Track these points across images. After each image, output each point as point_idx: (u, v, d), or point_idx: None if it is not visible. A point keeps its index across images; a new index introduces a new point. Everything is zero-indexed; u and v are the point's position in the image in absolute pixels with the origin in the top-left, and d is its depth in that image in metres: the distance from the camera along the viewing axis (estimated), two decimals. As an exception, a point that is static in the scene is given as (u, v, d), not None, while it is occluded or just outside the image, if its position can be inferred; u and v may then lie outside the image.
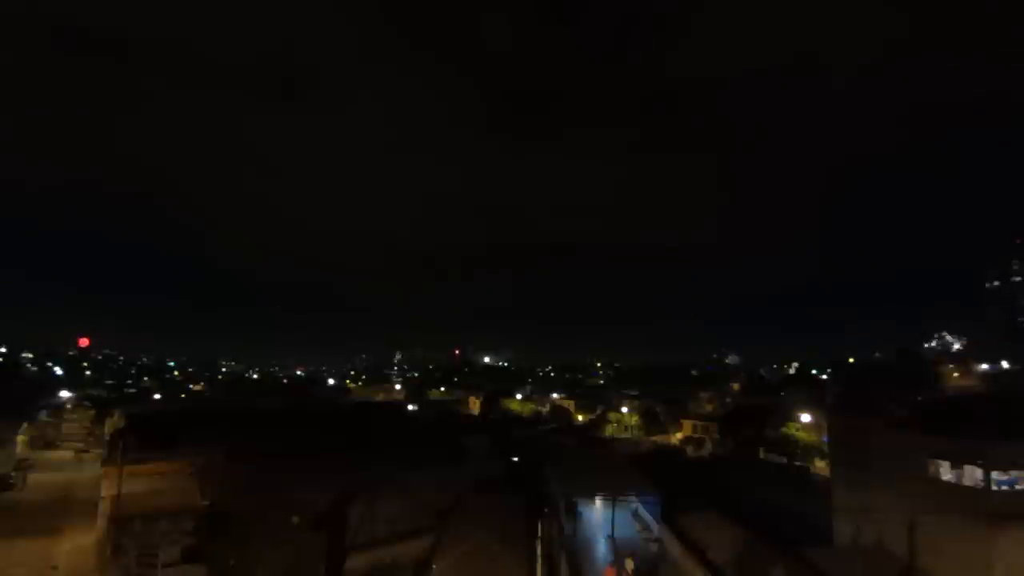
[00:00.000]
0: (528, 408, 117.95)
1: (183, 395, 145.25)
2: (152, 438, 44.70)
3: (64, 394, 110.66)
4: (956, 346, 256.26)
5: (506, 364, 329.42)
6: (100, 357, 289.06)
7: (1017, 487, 26.48)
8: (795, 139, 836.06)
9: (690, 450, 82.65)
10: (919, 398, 54.10)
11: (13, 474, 59.61)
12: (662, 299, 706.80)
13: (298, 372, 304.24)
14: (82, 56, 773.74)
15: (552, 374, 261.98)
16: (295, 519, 36.35)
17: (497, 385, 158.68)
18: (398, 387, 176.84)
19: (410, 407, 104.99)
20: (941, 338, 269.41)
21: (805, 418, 71.75)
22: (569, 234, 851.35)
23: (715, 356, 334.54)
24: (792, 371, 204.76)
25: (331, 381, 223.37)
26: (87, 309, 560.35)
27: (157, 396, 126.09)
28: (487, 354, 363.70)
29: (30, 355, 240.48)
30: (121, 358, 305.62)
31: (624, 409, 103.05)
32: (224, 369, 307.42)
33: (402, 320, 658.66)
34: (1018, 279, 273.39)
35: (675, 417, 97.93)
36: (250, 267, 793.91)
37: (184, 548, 34.79)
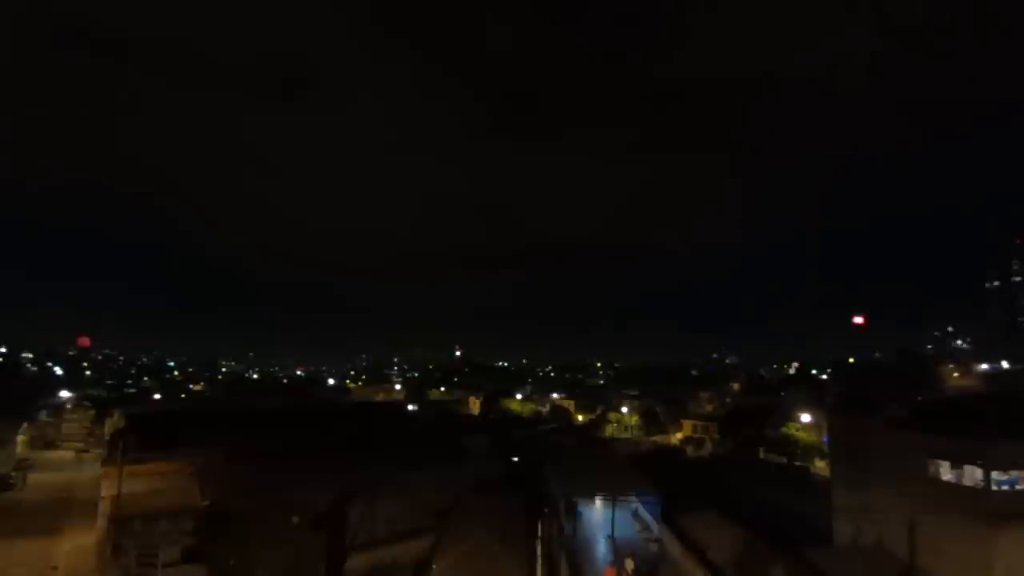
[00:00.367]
0: (528, 408, 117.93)
1: (183, 395, 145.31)
2: (152, 438, 44.69)
3: (64, 394, 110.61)
4: (959, 343, 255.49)
5: (506, 364, 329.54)
6: (100, 357, 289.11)
7: (1017, 487, 26.46)
8: (796, 139, 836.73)
9: (690, 450, 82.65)
10: (919, 398, 54.09)
11: (13, 474, 59.63)
12: (662, 299, 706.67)
13: (298, 372, 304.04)
14: (82, 56, 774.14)
15: (552, 374, 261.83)
16: (295, 519, 36.31)
17: (497, 385, 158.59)
18: (398, 387, 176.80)
19: (410, 407, 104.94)
20: (945, 336, 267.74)
21: (805, 418, 71.76)
22: (569, 234, 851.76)
23: (715, 356, 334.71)
24: (792, 371, 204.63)
25: (331, 381, 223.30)
26: (87, 309, 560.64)
27: (157, 396, 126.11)
28: (487, 355, 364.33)
29: (30, 355, 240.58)
30: (121, 358, 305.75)
31: (624, 409, 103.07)
32: (224, 369, 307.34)
33: (402, 320, 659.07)
34: (1018, 279, 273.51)
35: (675, 417, 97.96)
36: (250, 267, 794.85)
37: (184, 548, 34.80)
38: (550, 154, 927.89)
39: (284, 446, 48.45)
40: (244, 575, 34.03)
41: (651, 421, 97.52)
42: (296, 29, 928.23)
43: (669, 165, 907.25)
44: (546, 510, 42.23)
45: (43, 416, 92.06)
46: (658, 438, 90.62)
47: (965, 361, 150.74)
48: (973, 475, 27.12)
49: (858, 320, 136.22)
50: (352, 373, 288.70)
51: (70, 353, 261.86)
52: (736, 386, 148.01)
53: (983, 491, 26.46)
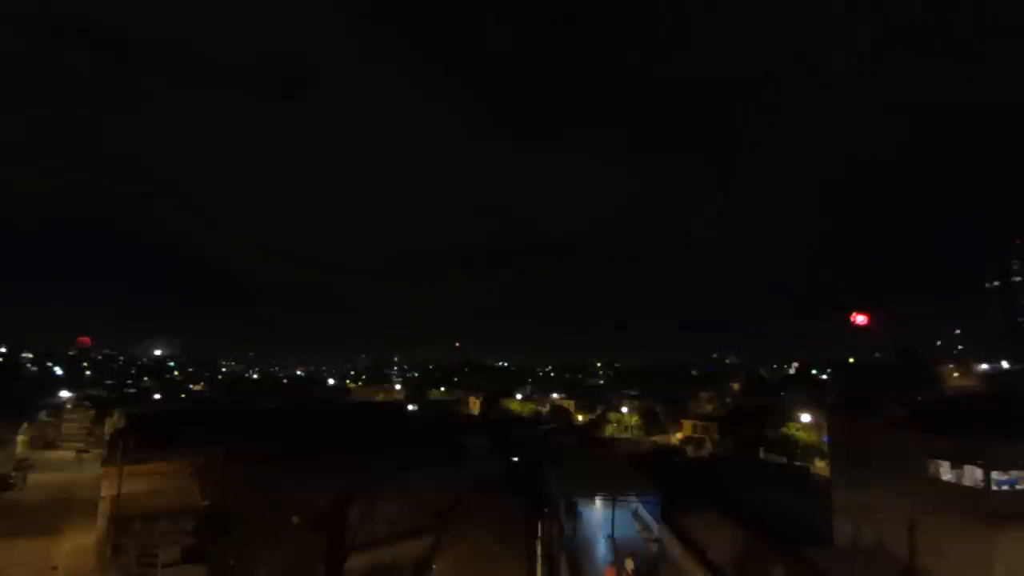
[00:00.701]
0: (528, 408, 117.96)
1: (183, 395, 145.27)
2: (152, 438, 44.66)
3: (64, 394, 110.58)
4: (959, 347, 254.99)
5: (506, 364, 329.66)
6: (100, 357, 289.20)
7: (1017, 487, 26.47)
8: (795, 139, 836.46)
9: (690, 450, 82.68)
10: (919, 398, 54.13)
11: (13, 474, 59.65)
12: (662, 299, 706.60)
13: (298, 372, 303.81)
14: (82, 56, 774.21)
15: (552, 374, 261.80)
16: (295, 519, 36.34)
17: (497, 385, 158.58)
18: (398, 387, 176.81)
19: (410, 407, 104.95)
20: (951, 337, 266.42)
21: (805, 418, 71.78)
22: (569, 234, 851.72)
23: (715, 356, 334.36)
24: (792, 371, 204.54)
25: (331, 381, 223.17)
26: (87, 309, 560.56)
27: (157, 396, 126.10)
28: (487, 355, 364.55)
29: (30, 355, 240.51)
30: (121, 358, 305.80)
31: (624, 409, 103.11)
32: (224, 369, 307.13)
33: (402, 320, 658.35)
34: (1018, 279, 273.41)
35: (675, 417, 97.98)
36: (250, 267, 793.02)
37: (184, 548, 34.80)
38: (550, 154, 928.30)
39: (284, 446, 48.46)
40: (244, 575, 34.04)
41: (651, 421, 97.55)
42: (296, 29, 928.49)
43: (669, 165, 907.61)
44: (546, 510, 42.22)
45: (43, 416, 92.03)
46: (658, 438, 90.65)
47: (965, 361, 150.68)
48: (973, 475, 27.12)
49: (860, 320, 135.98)
50: (352, 373, 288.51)
51: (70, 353, 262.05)
52: (736, 386, 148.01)
53: (983, 491, 26.45)
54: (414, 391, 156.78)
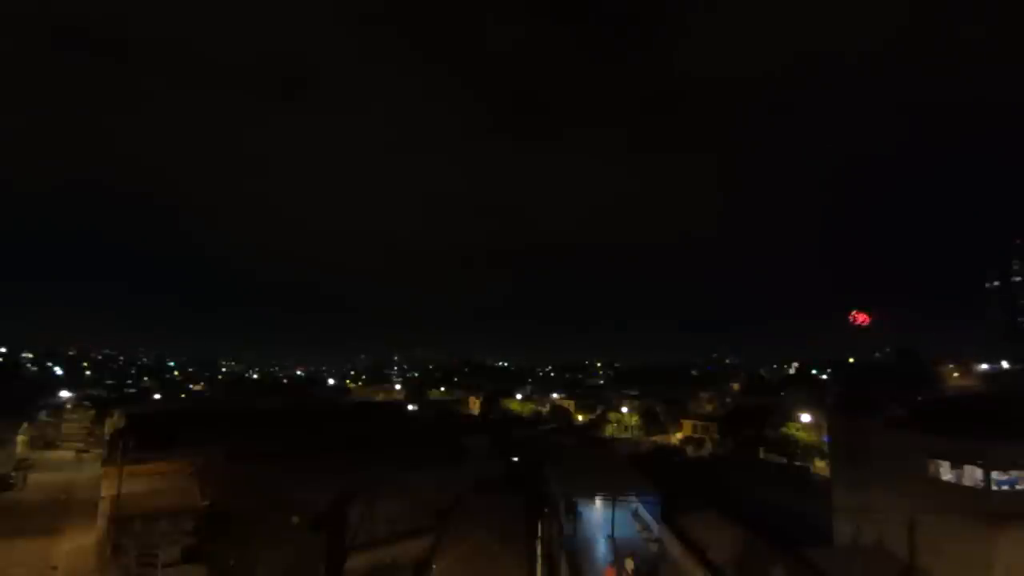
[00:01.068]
0: (528, 408, 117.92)
1: (183, 395, 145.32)
2: (152, 438, 44.66)
3: (64, 394, 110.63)
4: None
5: (506, 364, 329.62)
6: (100, 357, 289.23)
7: (1017, 487, 26.46)
8: (795, 139, 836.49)
9: (690, 450, 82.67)
10: (919, 398, 54.12)
11: (13, 474, 59.69)
12: (662, 299, 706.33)
13: (298, 372, 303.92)
14: (82, 56, 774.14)
15: (552, 374, 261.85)
16: (295, 519, 36.33)
17: (497, 385, 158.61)
18: (398, 387, 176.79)
19: (410, 407, 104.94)
20: (954, 337, 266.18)
21: (805, 418, 71.77)
22: (569, 234, 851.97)
23: (715, 356, 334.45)
24: (792, 371, 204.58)
25: (331, 381, 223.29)
26: (87, 309, 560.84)
27: (157, 396, 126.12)
28: (487, 355, 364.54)
29: (30, 355, 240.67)
30: (121, 358, 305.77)
31: (624, 409, 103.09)
32: (224, 369, 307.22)
33: (402, 320, 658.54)
34: (1018, 279, 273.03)
35: (675, 417, 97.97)
36: (250, 267, 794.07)
37: (184, 548, 34.80)
38: (550, 154, 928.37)
39: (284, 446, 48.46)
40: (244, 575, 34.04)
41: (651, 421, 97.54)
42: (296, 29, 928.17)
43: (669, 165, 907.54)
44: (546, 510, 42.22)
45: (43, 416, 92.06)
46: (658, 438, 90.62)
47: (965, 361, 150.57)
48: (973, 475, 27.10)
49: (860, 318, 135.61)
50: (352, 373, 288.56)
51: (70, 353, 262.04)
52: (736, 386, 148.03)
53: (983, 491, 26.44)
54: (414, 391, 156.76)
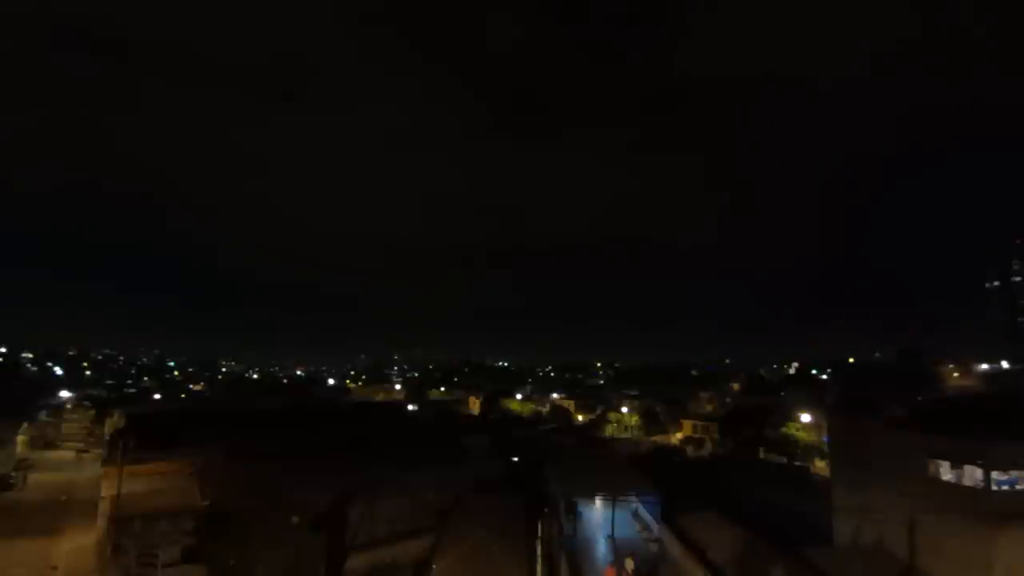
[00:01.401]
0: (528, 408, 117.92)
1: (183, 395, 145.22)
2: (152, 438, 44.60)
3: (64, 394, 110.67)
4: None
5: (506, 364, 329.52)
6: (100, 357, 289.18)
7: (1017, 487, 26.47)
8: (795, 139, 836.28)
9: (690, 450, 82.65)
10: (919, 398, 54.13)
11: (13, 474, 59.67)
12: (662, 299, 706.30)
13: (298, 372, 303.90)
14: (82, 56, 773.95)
15: (552, 374, 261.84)
16: (295, 519, 36.30)
17: (497, 385, 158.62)
18: (398, 387, 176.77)
19: (410, 407, 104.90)
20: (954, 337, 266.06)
21: (805, 418, 71.77)
22: (569, 234, 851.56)
23: (715, 356, 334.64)
24: (792, 371, 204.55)
25: (331, 381, 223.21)
26: (87, 309, 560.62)
27: (157, 396, 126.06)
28: (487, 355, 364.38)
29: (30, 355, 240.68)
30: (121, 358, 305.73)
31: (624, 409, 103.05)
32: (224, 369, 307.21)
33: (402, 320, 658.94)
34: (1018, 279, 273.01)
35: (675, 417, 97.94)
36: (250, 267, 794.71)
37: (184, 548, 34.75)
38: (550, 154, 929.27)
39: (284, 446, 48.37)
40: (244, 575, 34.03)
41: (651, 421, 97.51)
42: (296, 29, 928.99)
43: (669, 165, 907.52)
44: (546, 510, 42.24)
45: (43, 416, 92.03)
46: (658, 438, 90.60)
47: (965, 361, 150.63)
48: (973, 475, 27.11)
49: None
50: (352, 373, 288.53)
51: (70, 353, 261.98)
52: (736, 386, 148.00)
53: (983, 491, 26.45)
54: (414, 391, 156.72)
